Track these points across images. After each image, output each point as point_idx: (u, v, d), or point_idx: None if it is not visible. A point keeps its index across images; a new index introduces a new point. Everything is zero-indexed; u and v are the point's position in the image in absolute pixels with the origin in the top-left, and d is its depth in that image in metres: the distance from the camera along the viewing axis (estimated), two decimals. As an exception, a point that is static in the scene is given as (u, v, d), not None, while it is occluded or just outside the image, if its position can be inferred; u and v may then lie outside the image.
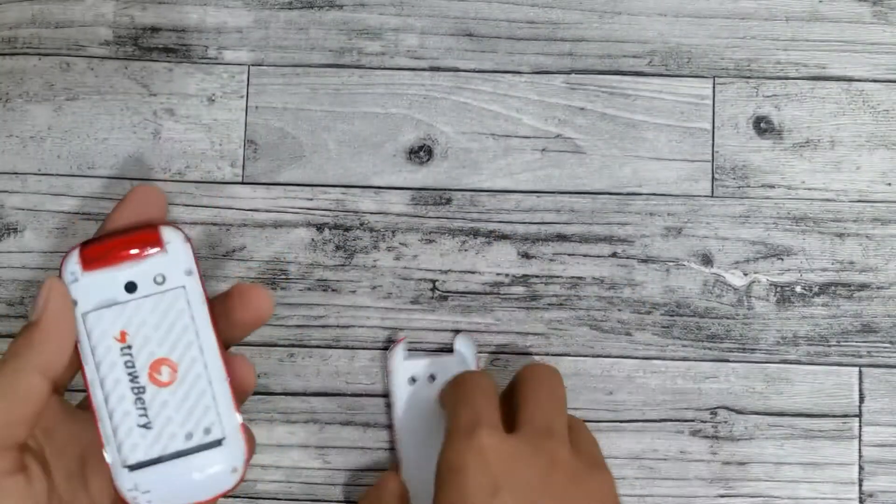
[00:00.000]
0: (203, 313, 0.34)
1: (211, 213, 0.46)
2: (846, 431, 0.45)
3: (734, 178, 0.46)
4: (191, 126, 0.46)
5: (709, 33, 0.47)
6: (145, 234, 0.34)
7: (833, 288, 0.45)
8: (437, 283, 0.45)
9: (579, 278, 0.45)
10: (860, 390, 0.45)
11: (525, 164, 0.46)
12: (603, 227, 0.46)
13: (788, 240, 0.46)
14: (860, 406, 0.45)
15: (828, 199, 0.46)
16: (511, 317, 0.45)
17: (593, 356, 0.45)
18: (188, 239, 0.34)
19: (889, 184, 0.46)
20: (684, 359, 0.45)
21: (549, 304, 0.45)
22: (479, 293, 0.45)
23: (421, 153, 0.46)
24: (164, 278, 0.33)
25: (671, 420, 0.45)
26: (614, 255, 0.46)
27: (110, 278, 0.33)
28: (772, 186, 0.46)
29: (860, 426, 0.45)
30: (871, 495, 0.44)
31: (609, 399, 0.45)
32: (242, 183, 0.46)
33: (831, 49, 0.46)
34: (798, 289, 0.45)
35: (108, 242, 0.33)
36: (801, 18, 0.47)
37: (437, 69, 0.47)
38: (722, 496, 0.45)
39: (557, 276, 0.45)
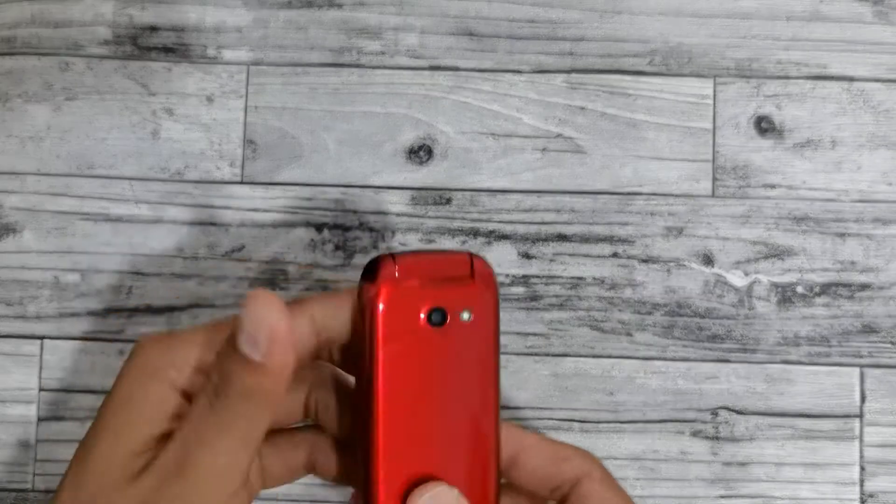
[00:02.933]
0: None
1: (210, 213, 0.46)
2: (847, 432, 0.45)
3: (735, 178, 0.46)
4: (190, 126, 0.46)
5: (710, 33, 0.47)
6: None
7: (834, 288, 0.45)
8: (437, 284, 0.45)
9: (580, 278, 0.45)
10: (861, 391, 0.45)
11: (525, 163, 0.46)
12: (603, 227, 0.46)
13: (789, 240, 0.45)
14: (861, 406, 0.45)
15: (829, 199, 0.46)
16: (511, 317, 0.45)
17: (594, 357, 0.45)
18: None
19: (890, 184, 0.46)
20: (685, 359, 0.45)
21: (549, 305, 0.45)
22: (480, 293, 0.45)
23: (421, 153, 0.46)
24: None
25: (672, 421, 0.45)
26: (615, 255, 0.45)
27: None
28: (773, 186, 0.46)
29: (861, 427, 0.45)
30: (872, 496, 0.44)
31: (610, 400, 0.45)
32: (241, 183, 0.46)
33: (832, 49, 0.46)
34: (799, 289, 0.45)
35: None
36: (802, 18, 0.47)
37: (437, 68, 0.46)
38: (723, 497, 0.44)
39: (558, 277, 0.45)
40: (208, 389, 0.28)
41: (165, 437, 0.28)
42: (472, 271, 0.31)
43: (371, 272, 0.30)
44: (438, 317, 0.30)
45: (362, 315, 0.30)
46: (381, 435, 0.29)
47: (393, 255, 0.30)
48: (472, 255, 0.31)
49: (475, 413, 0.30)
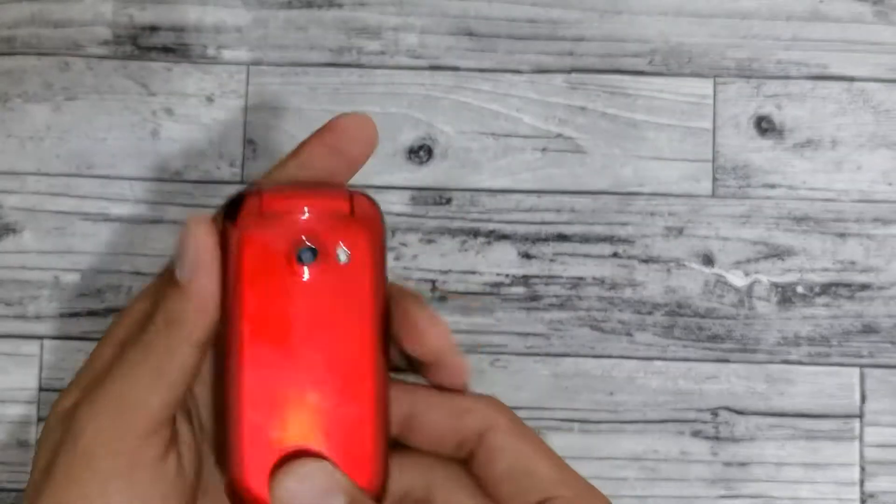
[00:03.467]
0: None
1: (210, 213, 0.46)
2: (847, 432, 0.45)
3: (735, 178, 0.46)
4: (190, 126, 0.46)
5: (710, 32, 0.47)
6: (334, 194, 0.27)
7: (834, 288, 0.45)
8: (437, 284, 0.45)
9: (580, 278, 0.45)
10: (861, 391, 0.45)
11: (525, 163, 0.46)
12: (604, 227, 0.46)
13: (790, 240, 0.45)
14: (861, 406, 0.45)
15: (829, 199, 0.46)
16: (511, 317, 0.45)
17: (594, 357, 0.45)
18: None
19: (890, 183, 0.46)
20: (685, 359, 0.45)
21: (549, 305, 0.45)
22: (479, 293, 0.45)
23: (421, 153, 0.46)
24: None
25: (672, 421, 0.45)
26: (615, 255, 0.45)
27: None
28: (773, 186, 0.46)
29: (861, 427, 0.45)
30: (872, 496, 0.44)
31: (610, 400, 0.45)
32: (241, 182, 0.46)
33: (832, 49, 0.46)
34: (799, 289, 0.45)
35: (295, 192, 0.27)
36: (802, 18, 0.47)
37: (437, 68, 0.46)
38: (723, 497, 0.44)
39: (558, 277, 0.45)
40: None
41: None
42: (352, 207, 0.28)
43: (233, 207, 0.27)
44: (309, 256, 0.27)
45: (224, 258, 0.27)
46: (243, 395, 0.26)
47: (260, 189, 0.27)
48: (352, 191, 0.28)
49: (353, 367, 0.27)
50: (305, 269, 0.27)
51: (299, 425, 0.27)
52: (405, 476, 0.30)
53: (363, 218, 0.28)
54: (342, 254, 0.27)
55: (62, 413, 0.27)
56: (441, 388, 0.29)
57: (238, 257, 0.27)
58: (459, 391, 0.29)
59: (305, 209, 0.27)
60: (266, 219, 0.27)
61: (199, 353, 0.27)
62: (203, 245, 0.26)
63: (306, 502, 0.26)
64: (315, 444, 0.26)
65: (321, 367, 0.27)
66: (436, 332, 0.27)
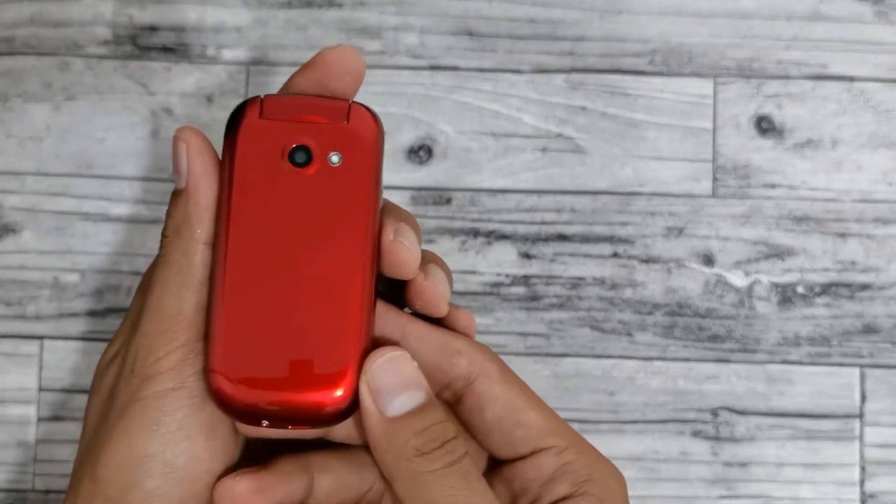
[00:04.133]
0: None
1: (210, 213, 0.46)
2: (848, 432, 0.45)
3: (735, 178, 0.46)
4: (189, 125, 0.46)
5: (710, 32, 0.46)
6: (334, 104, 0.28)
7: (835, 288, 0.45)
8: (437, 284, 0.45)
9: (580, 278, 0.45)
10: (862, 391, 0.45)
11: (525, 163, 0.46)
12: (604, 227, 0.46)
13: (790, 240, 0.45)
14: (862, 407, 0.45)
15: (829, 199, 0.46)
16: (511, 317, 0.45)
17: (594, 357, 0.45)
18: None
19: (890, 183, 0.46)
20: (686, 359, 0.45)
21: (549, 305, 0.45)
22: (479, 293, 0.45)
23: (421, 153, 0.46)
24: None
25: (672, 421, 0.45)
26: (615, 255, 0.45)
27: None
28: (773, 186, 0.46)
29: (862, 427, 0.45)
30: (872, 496, 0.44)
31: (610, 400, 0.45)
32: (241, 183, 0.46)
33: (833, 48, 0.46)
34: (800, 289, 0.45)
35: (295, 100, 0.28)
36: (802, 18, 0.47)
37: (437, 68, 0.46)
38: (723, 497, 0.44)
39: (558, 277, 0.45)
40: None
41: None
42: (349, 115, 0.28)
43: (236, 114, 0.28)
44: (302, 157, 0.27)
45: (221, 161, 0.28)
46: (226, 293, 0.27)
47: (262, 97, 0.28)
48: (352, 102, 0.28)
49: (340, 272, 0.27)
50: (299, 170, 0.27)
51: (280, 327, 0.27)
52: (366, 472, 0.29)
53: (360, 126, 0.28)
54: (334, 156, 0.27)
55: (111, 355, 0.29)
56: (435, 324, 0.29)
57: (233, 158, 0.27)
58: (453, 331, 0.29)
59: (302, 114, 0.28)
60: (263, 122, 0.28)
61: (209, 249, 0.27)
62: (194, 147, 0.27)
63: (393, 384, 0.26)
64: (294, 347, 0.27)
65: (307, 269, 0.27)
66: (405, 249, 0.28)
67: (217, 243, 0.27)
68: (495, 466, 0.30)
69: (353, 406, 0.27)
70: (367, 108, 0.29)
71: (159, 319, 0.27)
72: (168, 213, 0.28)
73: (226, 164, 0.28)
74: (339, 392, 0.27)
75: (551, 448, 0.28)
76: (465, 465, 0.26)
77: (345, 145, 0.28)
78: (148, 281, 0.29)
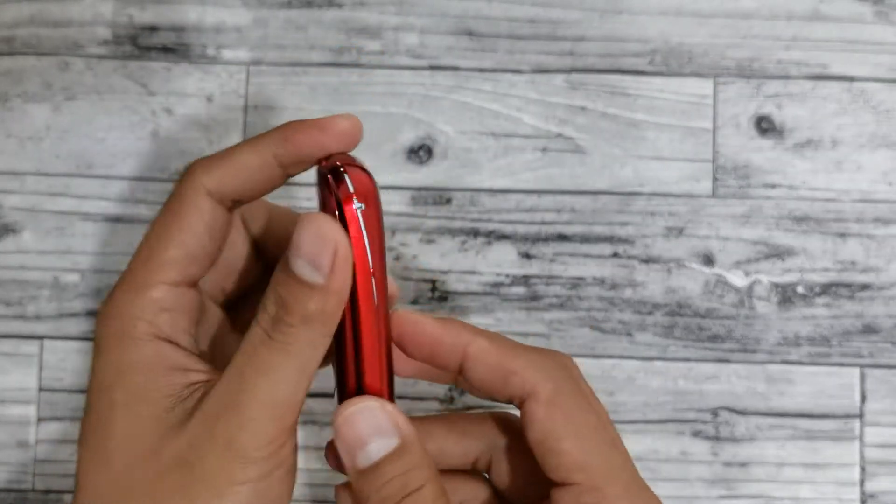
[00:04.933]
0: None
1: (210, 213, 0.46)
2: (848, 432, 0.45)
3: (735, 178, 0.46)
4: (189, 125, 0.46)
5: (710, 32, 0.46)
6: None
7: (835, 288, 0.45)
8: (436, 284, 0.45)
9: (580, 278, 0.45)
10: (862, 391, 0.45)
11: (525, 163, 0.46)
12: (604, 227, 0.46)
13: (790, 240, 0.45)
14: (862, 407, 0.45)
15: (829, 199, 0.46)
16: (511, 317, 0.45)
17: (594, 357, 0.45)
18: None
19: (891, 183, 0.46)
20: (685, 359, 0.45)
21: (549, 305, 0.45)
22: (479, 293, 0.45)
23: (421, 153, 0.46)
24: None
25: (672, 421, 0.45)
26: (615, 255, 0.45)
27: None
28: (773, 186, 0.46)
29: (862, 427, 0.45)
30: (872, 496, 0.44)
31: (610, 400, 0.45)
32: (241, 183, 0.46)
33: (833, 48, 0.46)
34: (800, 289, 0.45)
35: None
36: (802, 18, 0.47)
37: (437, 68, 0.46)
38: (723, 497, 0.44)
39: (558, 277, 0.45)
40: (262, 320, 0.27)
41: (187, 387, 0.28)
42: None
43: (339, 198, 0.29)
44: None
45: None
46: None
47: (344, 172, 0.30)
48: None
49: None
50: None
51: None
52: (468, 440, 0.31)
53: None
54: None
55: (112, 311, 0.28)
56: (498, 340, 0.30)
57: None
58: (514, 345, 0.30)
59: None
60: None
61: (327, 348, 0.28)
62: (342, 254, 0.27)
63: (363, 434, 0.28)
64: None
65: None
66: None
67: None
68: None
69: None
70: (362, 168, 0.31)
71: (272, 409, 0.27)
72: (291, 299, 0.27)
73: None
74: None
75: (574, 486, 0.29)
76: None
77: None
78: (116, 359, 0.28)
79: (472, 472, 0.32)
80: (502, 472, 0.31)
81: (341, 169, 0.29)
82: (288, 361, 0.27)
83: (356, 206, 0.28)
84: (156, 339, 0.28)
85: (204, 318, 0.31)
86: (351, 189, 0.29)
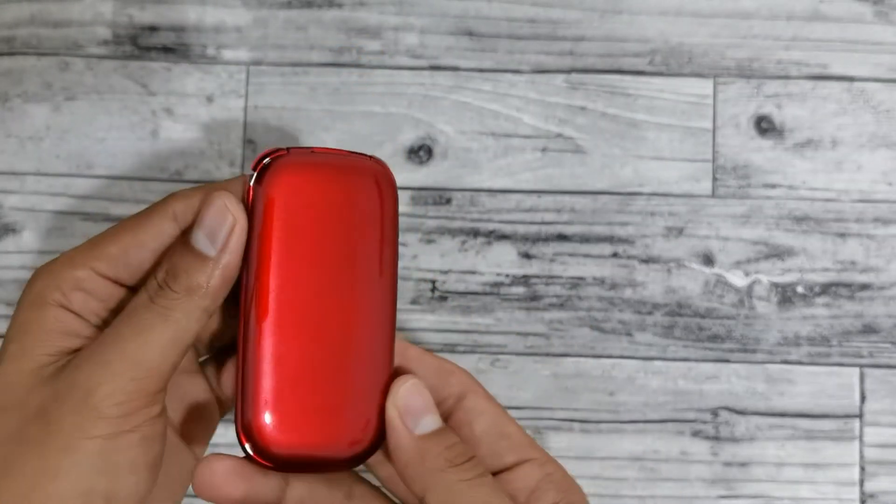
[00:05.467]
0: None
1: (210, 213, 0.46)
2: (847, 432, 0.45)
3: (735, 178, 0.46)
4: (189, 125, 0.46)
5: (710, 32, 0.47)
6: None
7: (834, 288, 0.45)
8: (436, 283, 0.45)
9: (580, 278, 0.45)
10: (861, 391, 0.45)
11: (525, 163, 0.46)
12: (604, 227, 0.46)
13: (790, 240, 0.45)
14: (861, 406, 0.45)
15: (829, 199, 0.46)
16: (511, 317, 0.45)
17: (594, 357, 0.45)
18: None
19: (890, 183, 0.46)
20: (685, 359, 0.45)
21: (549, 305, 0.45)
22: (479, 293, 0.45)
23: (421, 153, 0.46)
24: None
25: (672, 421, 0.45)
26: (615, 255, 0.45)
27: None
28: (773, 186, 0.46)
29: (861, 427, 0.45)
30: (872, 496, 0.44)
31: (610, 400, 0.45)
32: (241, 183, 0.46)
33: (833, 48, 0.46)
34: (799, 289, 0.45)
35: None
36: (802, 18, 0.47)
37: (437, 68, 0.46)
38: (723, 497, 0.44)
39: (558, 277, 0.45)
40: (149, 286, 0.28)
41: (71, 353, 0.29)
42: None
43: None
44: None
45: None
46: (263, 354, 0.29)
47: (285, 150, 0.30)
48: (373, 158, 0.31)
49: (366, 322, 0.30)
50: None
51: (311, 380, 0.29)
52: (334, 492, 0.31)
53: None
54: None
55: (36, 367, 0.28)
56: (428, 352, 0.32)
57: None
58: (438, 355, 0.32)
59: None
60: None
61: (208, 319, 0.29)
62: (241, 227, 0.28)
63: (418, 408, 0.29)
64: (325, 399, 0.29)
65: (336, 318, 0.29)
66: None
67: (249, 306, 0.29)
68: None
69: (377, 447, 0.30)
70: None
71: (136, 367, 0.27)
72: (180, 267, 0.28)
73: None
74: (368, 440, 0.29)
75: (534, 459, 0.30)
76: (490, 477, 0.29)
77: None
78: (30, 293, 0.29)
79: None
80: None
81: (267, 159, 0.30)
82: (164, 326, 0.28)
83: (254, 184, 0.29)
84: (61, 307, 0.29)
85: (121, 306, 0.31)
86: (265, 177, 0.29)
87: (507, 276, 0.45)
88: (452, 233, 0.46)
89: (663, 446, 0.45)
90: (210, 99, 0.46)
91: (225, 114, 0.46)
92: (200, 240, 0.28)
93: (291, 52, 0.46)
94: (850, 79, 0.46)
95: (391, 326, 0.30)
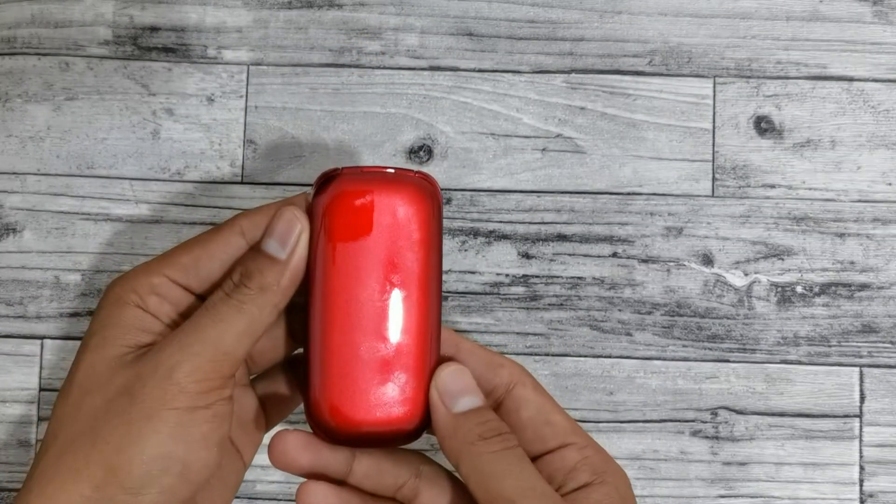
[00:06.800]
0: None
1: (210, 213, 0.46)
2: (847, 432, 0.45)
3: (735, 178, 0.46)
4: (190, 126, 0.46)
5: (709, 33, 0.47)
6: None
7: (834, 288, 0.45)
8: (437, 284, 0.45)
9: (580, 278, 0.45)
10: (861, 390, 0.45)
11: (525, 163, 0.46)
12: (603, 227, 0.46)
13: (789, 240, 0.46)
14: (861, 406, 0.45)
15: (828, 199, 0.46)
16: (511, 317, 0.45)
17: (594, 356, 0.45)
18: None
19: (889, 183, 0.46)
20: (685, 359, 0.45)
21: (549, 305, 0.45)
22: (479, 293, 0.45)
23: (421, 153, 0.46)
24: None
25: (672, 420, 0.45)
26: (615, 255, 0.45)
27: None
28: (772, 186, 0.46)
29: (861, 426, 0.45)
30: (871, 496, 0.44)
31: (609, 399, 0.45)
32: (242, 182, 0.46)
33: (832, 49, 0.46)
34: (799, 289, 0.45)
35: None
36: (801, 18, 0.47)
37: (437, 69, 0.47)
38: (722, 496, 0.44)
39: (558, 277, 0.45)
40: (226, 285, 0.32)
41: (148, 346, 0.32)
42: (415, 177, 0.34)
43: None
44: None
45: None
46: (328, 343, 0.33)
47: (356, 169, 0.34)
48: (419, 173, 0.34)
49: (410, 314, 0.34)
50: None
51: (368, 367, 0.33)
52: (399, 465, 0.35)
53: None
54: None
55: (119, 353, 0.32)
56: (482, 346, 0.36)
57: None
58: (491, 349, 0.36)
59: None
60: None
61: (278, 316, 0.33)
62: (306, 235, 0.32)
63: (457, 389, 0.33)
64: (380, 383, 0.33)
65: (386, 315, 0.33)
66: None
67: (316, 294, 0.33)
68: None
69: (425, 425, 0.33)
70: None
71: (214, 350, 0.31)
72: (254, 269, 0.32)
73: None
74: (416, 419, 0.33)
75: (574, 444, 0.34)
76: (519, 450, 0.32)
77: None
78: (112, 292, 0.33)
79: (397, 501, 0.36)
80: (429, 498, 0.35)
81: (332, 175, 0.34)
82: (239, 316, 0.31)
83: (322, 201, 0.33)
84: (139, 308, 0.32)
85: (190, 312, 0.34)
86: (329, 192, 0.33)
87: (507, 276, 0.45)
88: (452, 233, 0.46)
89: (662, 446, 0.45)
90: (211, 99, 0.46)
91: (225, 114, 0.46)
92: (272, 245, 0.32)
93: (292, 52, 0.47)
94: (850, 79, 0.46)
95: (437, 321, 0.34)
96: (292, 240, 0.32)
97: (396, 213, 0.33)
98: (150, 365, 0.31)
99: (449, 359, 0.34)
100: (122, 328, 0.32)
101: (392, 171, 0.34)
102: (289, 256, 0.32)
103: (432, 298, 0.33)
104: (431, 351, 0.33)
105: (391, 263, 0.33)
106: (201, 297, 0.34)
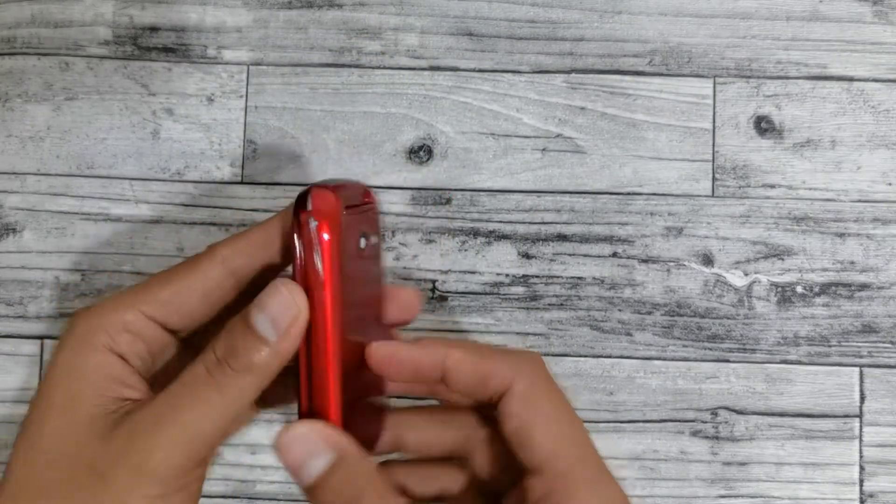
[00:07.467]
0: None
1: (210, 213, 0.46)
2: (847, 432, 0.45)
3: (735, 178, 0.46)
4: (190, 126, 0.46)
5: (709, 33, 0.47)
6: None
7: (834, 288, 0.45)
8: (437, 284, 0.45)
9: (580, 278, 0.45)
10: (861, 390, 0.45)
11: (525, 163, 0.46)
12: (603, 227, 0.46)
13: (789, 240, 0.46)
14: (861, 406, 0.45)
15: (828, 199, 0.46)
16: (511, 317, 0.45)
17: (594, 356, 0.45)
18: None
19: (890, 183, 0.46)
20: (685, 359, 0.45)
21: (549, 305, 0.45)
22: (479, 293, 0.45)
23: (421, 153, 0.46)
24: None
25: (672, 420, 0.45)
26: (615, 255, 0.45)
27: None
28: (772, 186, 0.46)
29: (861, 426, 0.45)
30: (871, 496, 0.44)
31: (609, 399, 0.45)
32: (242, 183, 0.46)
33: (832, 49, 0.46)
34: (799, 289, 0.45)
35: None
36: (801, 18, 0.47)
37: (437, 69, 0.46)
38: (722, 497, 0.44)
39: (558, 277, 0.45)
40: (207, 359, 0.30)
41: (119, 401, 0.30)
42: (370, 199, 0.34)
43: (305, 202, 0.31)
44: (363, 241, 0.33)
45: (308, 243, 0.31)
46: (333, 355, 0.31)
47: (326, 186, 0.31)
48: (365, 186, 0.34)
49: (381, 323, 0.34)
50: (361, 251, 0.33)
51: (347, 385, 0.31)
52: (448, 430, 0.33)
53: (376, 206, 0.35)
54: (374, 237, 0.33)
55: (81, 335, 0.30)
56: (471, 349, 0.32)
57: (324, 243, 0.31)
58: (486, 350, 0.32)
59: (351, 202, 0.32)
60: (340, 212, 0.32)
61: (260, 392, 0.30)
62: (303, 319, 0.30)
63: (296, 456, 0.30)
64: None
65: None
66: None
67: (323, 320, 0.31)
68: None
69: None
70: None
71: (191, 436, 0.29)
72: (240, 347, 0.29)
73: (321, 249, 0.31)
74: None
75: (545, 472, 0.31)
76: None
77: (375, 227, 0.35)
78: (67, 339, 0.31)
79: (452, 460, 0.34)
80: (481, 461, 0.33)
81: (307, 192, 0.31)
82: (219, 399, 0.29)
83: (312, 224, 0.30)
84: (108, 350, 0.30)
85: (164, 353, 0.33)
86: (309, 207, 0.30)
87: (507, 276, 0.45)
88: (452, 233, 0.46)
89: (662, 446, 0.45)
90: (210, 99, 0.46)
91: (225, 114, 0.46)
92: (263, 323, 0.29)
93: (292, 52, 0.47)
94: (850, 79, 0.46)
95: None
96: (285, 323, 0.29)
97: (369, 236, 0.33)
98: (123, 446, 0.29)
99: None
100: (89, 381, 0.30)
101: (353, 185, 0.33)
102: (280, 340, 0.29)
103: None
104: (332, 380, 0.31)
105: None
106: (177, 335, 0.32)
